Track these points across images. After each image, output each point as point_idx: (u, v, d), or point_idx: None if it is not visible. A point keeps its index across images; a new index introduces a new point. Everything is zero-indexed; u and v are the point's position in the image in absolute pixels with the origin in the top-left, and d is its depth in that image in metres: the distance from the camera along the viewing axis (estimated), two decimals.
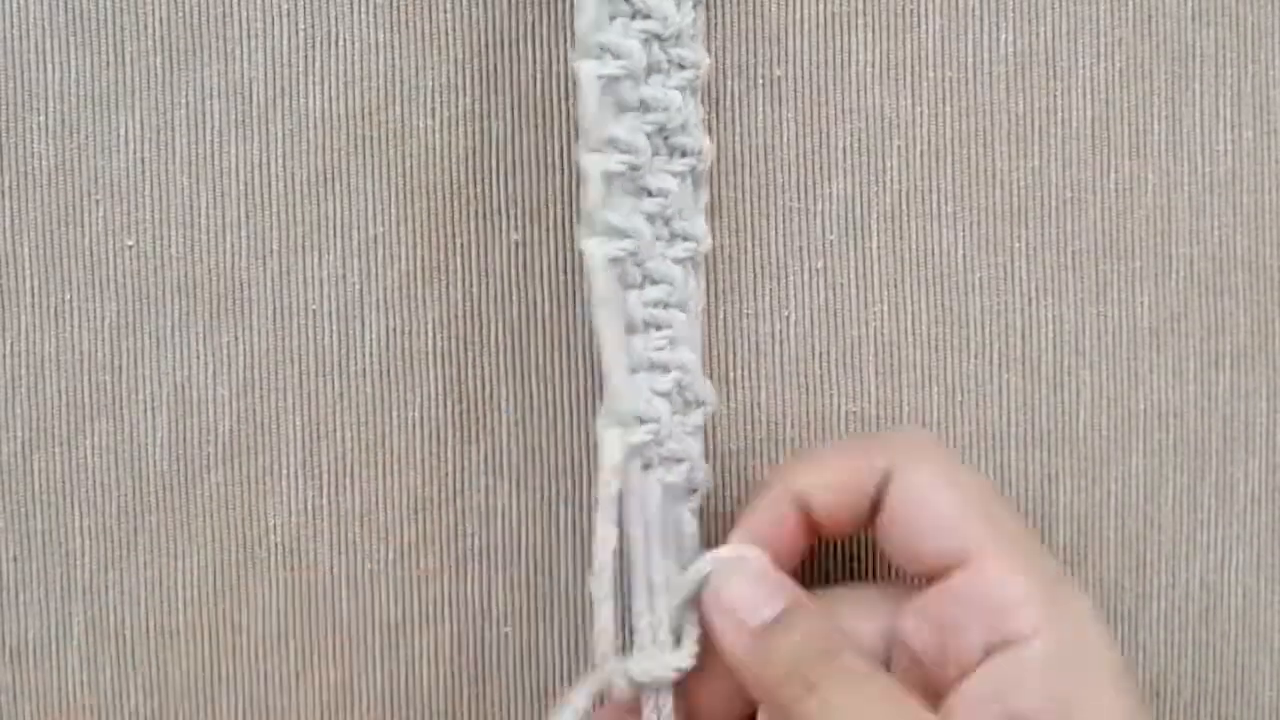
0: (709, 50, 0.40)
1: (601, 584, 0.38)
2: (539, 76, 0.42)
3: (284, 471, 0.43)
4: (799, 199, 0.42)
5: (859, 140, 0.42)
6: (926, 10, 0.42)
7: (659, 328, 0.40)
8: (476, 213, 0.42)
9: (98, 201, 0.42)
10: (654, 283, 0.40)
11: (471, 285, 0.42)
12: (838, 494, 0.39)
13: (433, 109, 0.42)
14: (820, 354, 0.43)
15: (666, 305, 0.41)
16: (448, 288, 0.42)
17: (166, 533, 0.43)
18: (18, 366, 0.42)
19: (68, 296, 0.42)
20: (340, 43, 0.42)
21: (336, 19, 0.42)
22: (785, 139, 0.42)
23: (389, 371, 0.43)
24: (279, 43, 0.42)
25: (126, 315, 0.42)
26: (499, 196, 0.42)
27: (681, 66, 0.40)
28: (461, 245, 0.42)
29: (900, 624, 0.39)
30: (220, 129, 0.42)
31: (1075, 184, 0.43)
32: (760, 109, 0.42)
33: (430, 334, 0.42)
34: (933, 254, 0.43)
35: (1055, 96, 0.42)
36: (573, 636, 0.43)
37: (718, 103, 0.42)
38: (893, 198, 0.43)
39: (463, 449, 0.43)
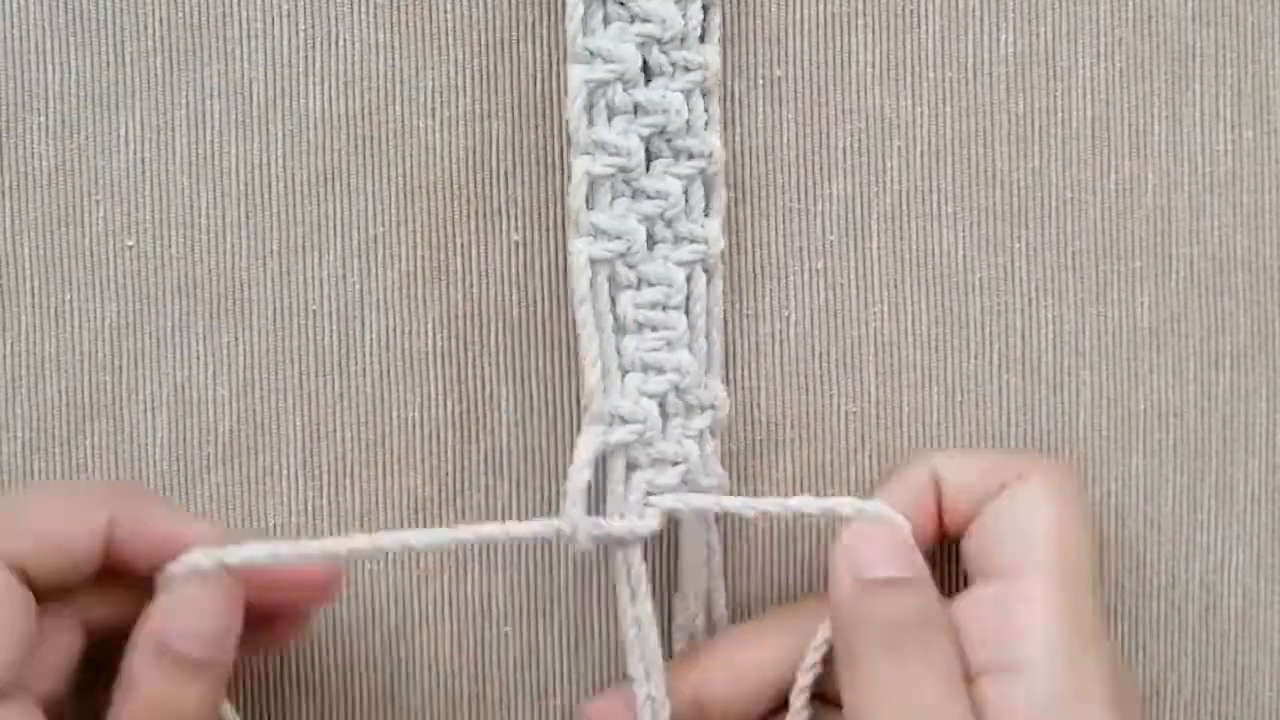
0: None
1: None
2: (539, 77, 0.42)
3: (284, 471, 0.43)
4: (799, 199, 0.42)
5: (859, 140, 0.42)
6: (926, 11, 0.42)
7: (654, 329, 0.40)
8: (476, 213, 0.42)
9: (98, 201, 0.42)
10: (650, 284, 0.40)
11: (471, 285, 0.42)
12: (968, 475, 0.40)
13: (433, 109, 0.42)
14: (820, 354, 0.43)
15: (665, 307, 0.41)
16: (448, 288, 0.42)
17: None
18: (18, 366, 0.42)
19: (68, 297, 0.42)
20: (340, 43, 0.42)
21: (336, 19, 0.42)
22: (785, 139, 0.42)
23: (389, 371, 0.43)
24: (279, 43, 0.42)
25: (126, 315, 0.42)
26: (499, 197, 0.42)
27: (687, 69, 0.40)
28: (461, 245, 0.42)
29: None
30: (220, 129, 0.42)
31: (1075, 184, 0.43)
32: (760, 109, 0.42)
33: (430, 334, 0.42)
34: (933, 254, 0.43)
35: (1055, 97, 0.42)
36: (573, 636, 0.43)
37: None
38: (893, 198, 0.43)
39: (463, 449, 0.43)
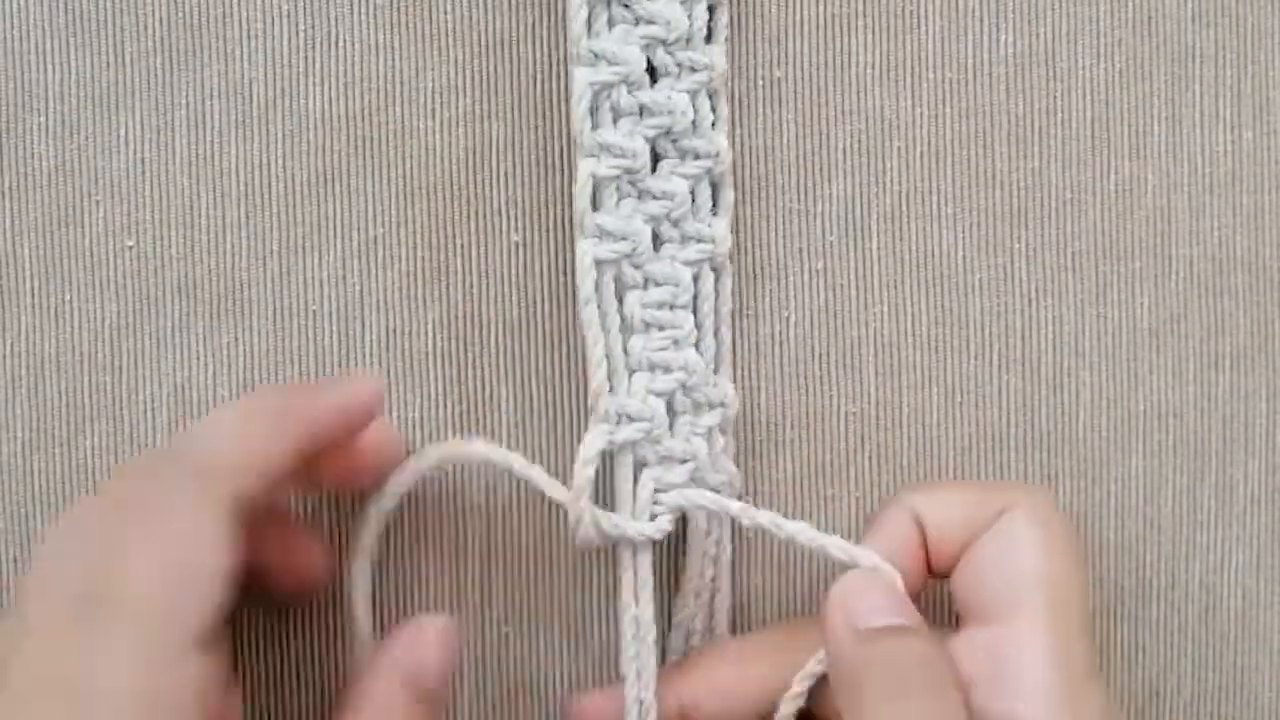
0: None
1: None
2: (539, 78, 0.42)
3: None
4: (799, 200, 0.42)
5: (859, 141, 0.42)
6: (926, 11, 0.42)
7: (661, 328, 0.41)
8: (476, 214, 0.42)
9: (98, 202, 0.42)
10: (656, 284, 0.41)
11: (471, 286, 0.42)
12: (951, 511, 0.40)
13: (432, 110, 0.42)
14: (820, 354, 0.43)
15: (672, 307, 0.41)
16: (448, 288, 0.42)
17: None
18: (18, 367, 0.42)
19: (68, 297, 0.42)
20: (340, 44, 0.42)
21: (336, 20, 0.42)
22: (785, 140, 0.42)
23: (389, 371, 0.43)
24: (279, 44, 0.42)
25: (127, 316, 0.42)
26: (499, 197, 0.42)
27: (692, 69, 0.40)
28: (461, 246, 0.42)
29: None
30: (220, 129, 0.42)
31: (1075, 185, 0.43)
32: (760, 110, 0.42)
33: (430, 334, 0.42)
34: (933, 255, 0.43)
35: (1055, 97, 0.42)
36: (573, 636, 0.43)
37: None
38: (893, 199, 0.43)
39: None
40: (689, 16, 0.40)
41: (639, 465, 0.41)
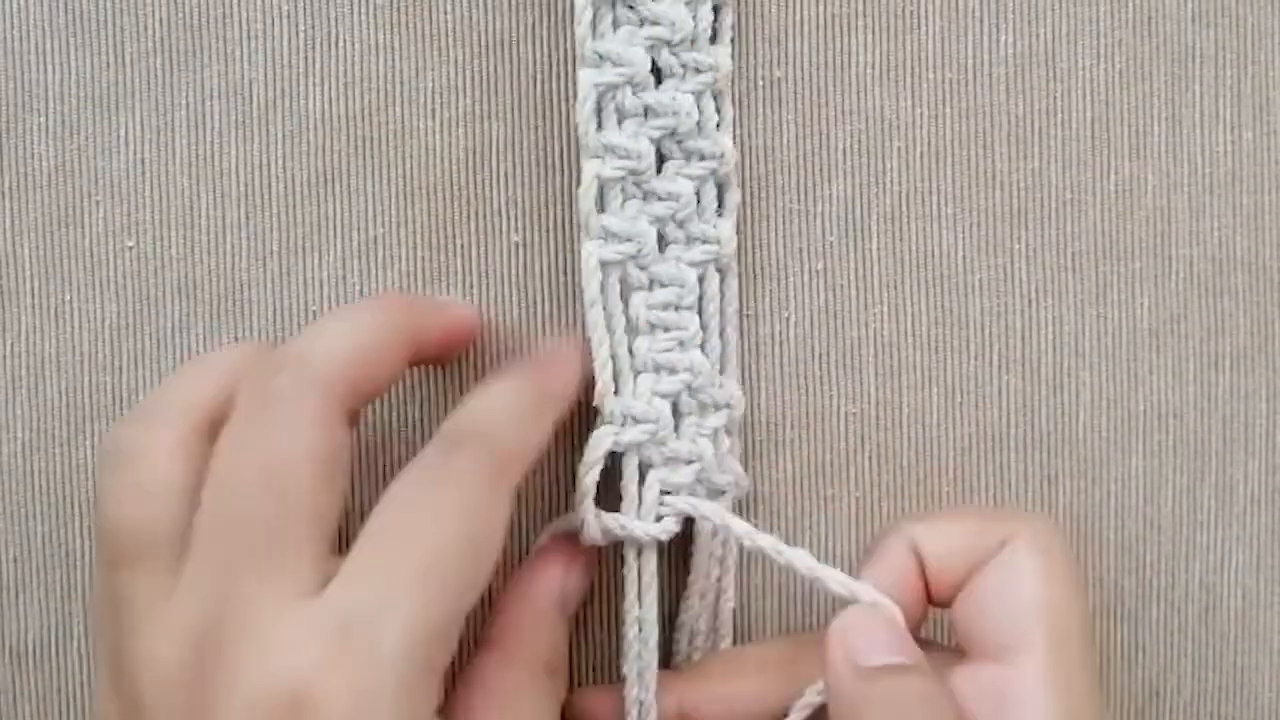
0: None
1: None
2: (539, 78, 0.42)
3: None
4: (799, 200, 0.42)
5: (859, 142, 0.42)
6: (926, 12, 0.42)
7: (666, 330, 0.41)
8: (476, 214, 0.42)
9: (98, 202, 0.42)
10: (662, 285, 0.41)
11: (471, 286, 0.42)
12: (951, 542, 0.39)
13: (432, 110, 0.42)
14: (820, 355, 0.43)
15: (677, 308, 0.41)
16: (448, 288, 0.42)
17: None
18: (18, 367, 0.42)
19: (68, 297, 0.42)
20: (340, 44, 0.42)
21: (336, 20, 0.42)
22: (785, 140, 0.42)
23: None
24: (279, 44, 0.42)
25: (127, 316, 0.42)
26: (499, 198, 0.42)
27: (697, 70, 0.40)
28: (461, 246, 0.42)
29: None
30: (220, 130, 0.42)
31: (1075, 185, 0.43)
32: (760, 110, 0.42)
33: None
34: (933, 255, 0.43)
35: (1055, 98, 0.42)
36: (573, 636, 0.43)
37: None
38: (893, 199, 0.43)
39: None
40: (694, 17, 0.40)
41: (644, 466, 0.41)
